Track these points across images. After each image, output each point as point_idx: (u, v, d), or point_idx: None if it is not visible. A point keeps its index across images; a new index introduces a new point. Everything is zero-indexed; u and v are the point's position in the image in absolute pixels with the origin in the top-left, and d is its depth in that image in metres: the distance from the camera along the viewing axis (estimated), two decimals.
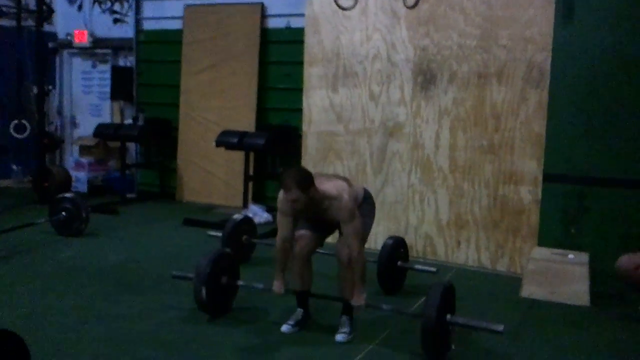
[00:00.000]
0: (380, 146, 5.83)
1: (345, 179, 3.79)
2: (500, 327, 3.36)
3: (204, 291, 3.79)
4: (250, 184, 7.28)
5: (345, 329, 3.73)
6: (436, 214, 5.62)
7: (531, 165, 5.19)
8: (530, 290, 4.68)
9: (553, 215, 5.18)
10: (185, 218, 6.75)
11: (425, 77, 5.57)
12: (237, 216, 5.27)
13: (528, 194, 5.22)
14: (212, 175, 7.87)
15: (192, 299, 3.90)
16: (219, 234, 5.17)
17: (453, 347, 3.47)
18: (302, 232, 3.77)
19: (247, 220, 5.35)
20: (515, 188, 5.27)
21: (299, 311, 3.89)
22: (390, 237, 4.79)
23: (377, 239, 5.56)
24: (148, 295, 4.39)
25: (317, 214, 3.62)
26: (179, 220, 6.76)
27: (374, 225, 5.77)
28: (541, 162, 5.15)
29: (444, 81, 5.50)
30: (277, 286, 3.75)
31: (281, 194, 3.59)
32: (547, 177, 5.14)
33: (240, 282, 4.09)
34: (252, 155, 7.18)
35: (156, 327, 3.81)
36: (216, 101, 7.81)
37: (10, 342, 2.58)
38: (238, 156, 7.33)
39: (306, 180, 3.45)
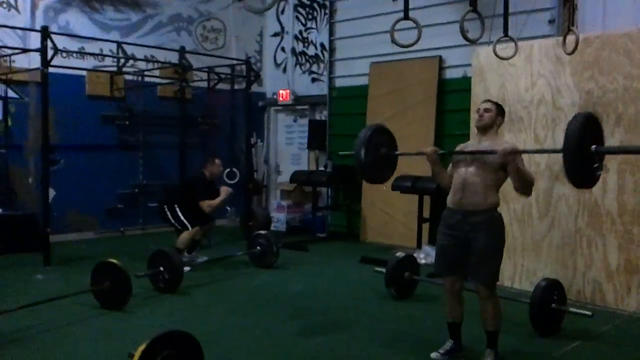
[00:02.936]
0: (546, 189, 5.88)
1: None
2: None
3: None
4: (426, 226, 7.65)
5: None
6: (604, 259, 5.47)
7: None
8: None
9: None
10: (362, 256, 7.35)
11: None
12: (399, 254, 5.71)
13: None
14: (391, 217, 8.41)
15: (355, 326, 4.43)
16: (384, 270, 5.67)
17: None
18: (449, 278, 4.13)
19: (410, 258, 5.75)
20: None
21: (450, 342, 4.18)
22: (545, 279, 4.85)
23: None
24: (315, 319, 5.03)
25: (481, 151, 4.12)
26: (358, 258, 7.37)
27: (542, 268, 5.87)
28: None
29: (610, 123, 5.42)
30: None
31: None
32: None
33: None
34: (428, 199, 7.58)
35: (317, 347, 4.37)
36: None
37: (189, 342, 3.32)
38: (416, 200, 7.76)
39: (502, 108, 4.29)
